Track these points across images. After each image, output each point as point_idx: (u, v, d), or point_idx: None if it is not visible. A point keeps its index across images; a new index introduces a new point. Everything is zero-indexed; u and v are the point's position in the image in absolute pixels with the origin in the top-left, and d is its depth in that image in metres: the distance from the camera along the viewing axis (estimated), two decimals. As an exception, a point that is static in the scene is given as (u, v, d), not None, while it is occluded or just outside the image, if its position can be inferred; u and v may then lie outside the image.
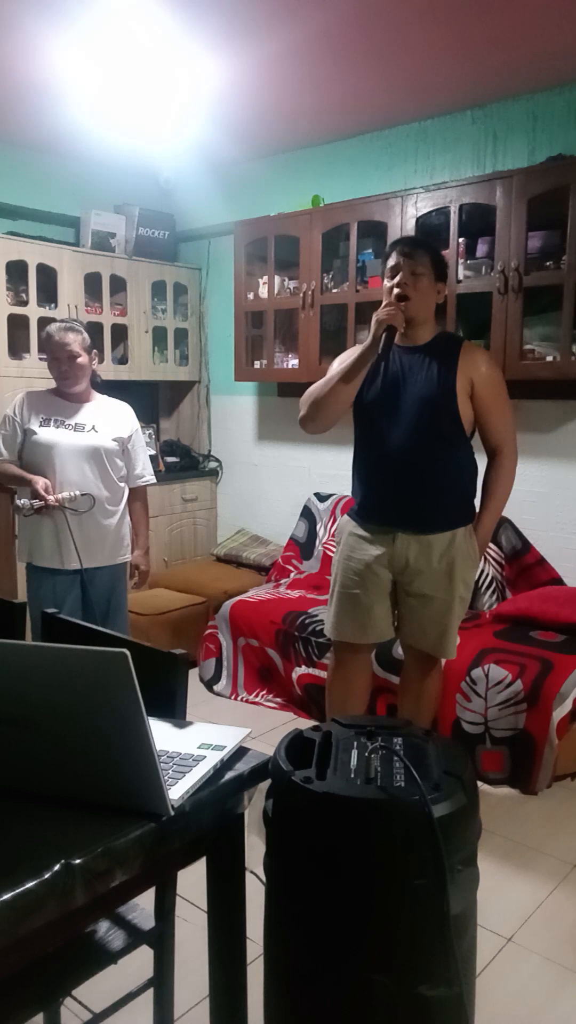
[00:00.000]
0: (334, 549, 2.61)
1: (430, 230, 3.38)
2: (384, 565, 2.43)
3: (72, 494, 2.75)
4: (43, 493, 2.70)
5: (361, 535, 2.47)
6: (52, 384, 2.93)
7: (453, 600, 2.44)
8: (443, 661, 2.64)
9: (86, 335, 2.84)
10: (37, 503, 2.71)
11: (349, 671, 2.60)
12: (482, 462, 2.51)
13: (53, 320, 3.91)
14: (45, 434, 2.80)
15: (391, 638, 2.58)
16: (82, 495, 2.76)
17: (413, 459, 2.37)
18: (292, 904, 1.41)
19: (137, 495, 3.04)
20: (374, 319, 2.31)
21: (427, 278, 2.35)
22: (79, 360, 2.79)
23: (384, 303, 2.33)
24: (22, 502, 2.75)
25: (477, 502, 2.51)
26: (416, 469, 2.37)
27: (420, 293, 2.34)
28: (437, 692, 2.68)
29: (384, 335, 2.28)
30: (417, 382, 2.37)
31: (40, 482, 2.72)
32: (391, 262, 2.37)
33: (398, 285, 2.32)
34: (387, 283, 2.37)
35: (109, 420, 2.91)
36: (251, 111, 3.54)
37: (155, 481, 3.13)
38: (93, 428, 2.86)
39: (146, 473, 3.04)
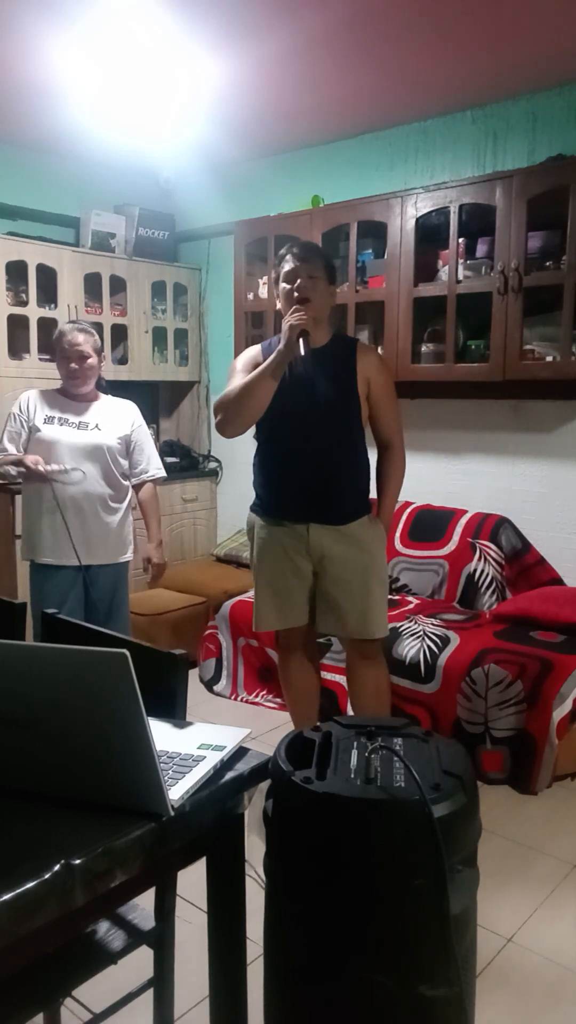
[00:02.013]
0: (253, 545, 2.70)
1: (430, 230, 3.39)
2: (303, 555, 2.57)
3: (61, 467, 2.77)
4: (28, 464, 2.73)
5: (276, 528, 2.58)
6: (53, 384, 2.95)
7: (369, 580, 2.56)
8: (382, 651, 2.74)
9: (97, 337, 2.89)
10: (16, 469, 2.80)
11: (299, 662, 2.76)
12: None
13: (53, 320, 3.95)
14: (49, 431, 2.83)
15: (306, 623, 2.67)
16: (71, 468, 2.78)
17: (322, 455, 2.51)
18: (292, 904, 1.41)
19: (146, 489, 3.06)
20: (286, 324, 2.39)
21: (322, 281, 2.47)
22: (89, 361, 2.83)
23: (291, 309, 2.39)
24: (4, 469, 2.84)
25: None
26: (325, 465, 2.52)
27: (318, 295, 2.45)
28: (383, 678, 2.74)
29: (299, 339, 2.35)
30: (321, 383, 2.48)
31: (29, 457, 2.76)
32: (286, 267, 2.46)
33: (298, 289, 2.42)
34: (284, 287, 2.46)
35: (113, 418, 2.94)
36: (251, 111, 3.54)
37: (164, 475, 3.14)
38: (97, 427, 2.89)
39: (151, 467, 3.05)
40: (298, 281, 2.43)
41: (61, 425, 2.85)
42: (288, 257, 2.47)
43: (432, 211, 3.33)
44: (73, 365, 2.82)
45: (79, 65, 3.03)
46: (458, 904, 1.33)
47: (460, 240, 3.27)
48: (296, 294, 2.41)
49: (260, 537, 2.63)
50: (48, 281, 3.96)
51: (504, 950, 2.03)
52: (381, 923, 1.33)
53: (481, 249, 3.27)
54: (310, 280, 2.43)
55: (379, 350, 3.63)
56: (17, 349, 3.88)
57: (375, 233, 3.58)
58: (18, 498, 3.78)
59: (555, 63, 3.05)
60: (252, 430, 2.60)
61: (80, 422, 2.88)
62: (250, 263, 4.07)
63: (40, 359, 3.92)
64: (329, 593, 2.57)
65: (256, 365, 2.49)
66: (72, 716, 1.10)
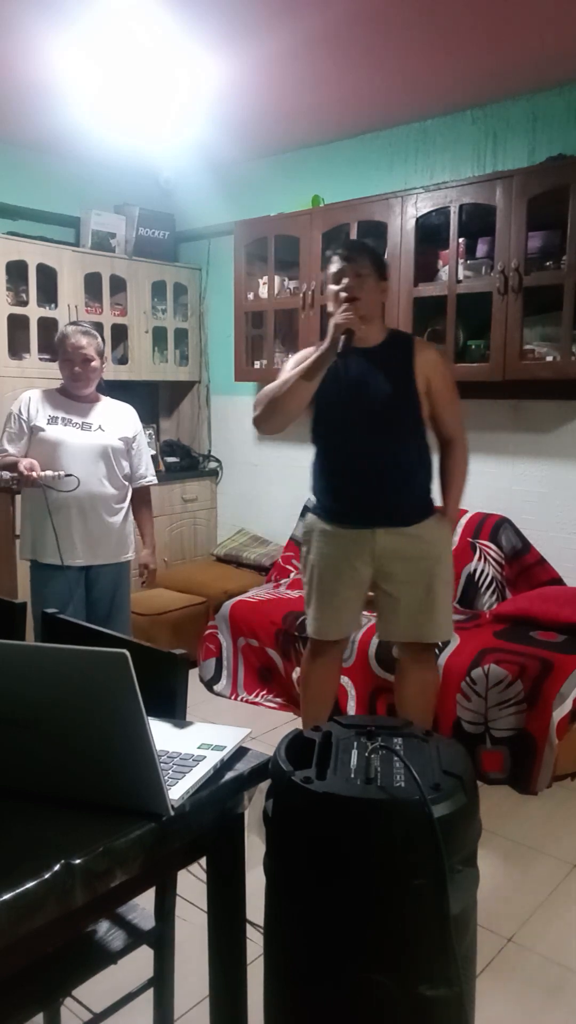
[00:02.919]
0: (305, 549, 2.63)
1: (430, 230, 3.39)
2: (366, 563, 2.50)
3: (55, 474, 2.74)
4: (22, 469, 2.69)
5: (337, 534, 2.52)
6: (53, 383, 2.94)
7: (435, 583, 2.50)
8: (439, 657, 2.68)
9: (100, 339, 2.88)
10: (9, 474, 2.76)
11: (328, 665, 2.68)
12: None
13: (54, 320, 3.95)
14: (52, 432, 2.82)
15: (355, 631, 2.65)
16: (65, 475, 2.75)
17: (384, 456, 2.45)
18: (292, 904, 1.41)
19: (141, 495, 3.07)
20: (332, 323, 2.36)
21: (371, 278, 2.41)
22: (92, 364, 2.82)
23: (339, 308, 2.35)
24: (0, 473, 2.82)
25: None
26: (388, 466, 2.46)
27: (367, 293, 2.39)
28: (436, 686, 2.69)
29: (343, 338, 2.32)
30: (378, 382, 2.43)
31: (24, 462, 2.72)
32: (333, 267, 2.41)
33: (345, 288, 2.37)
34: (332, 288, 2.41)
35: (115, 420, 2.94)
36: (251, 111, 3.54)
37: (156, 481, 3.16)
38: (100, 427, 2.88)
39: (148, 473, 3.07)
40: (344, 281, 2.38)
41: (65, 425, 2.84)
42: (334, 258, 2.42)
43: (432, 211, 3.33)
44: (77, 368, 2.81)
45: (79, 65, 3.03)
46: (458, 904, 1.33)
47: (460, 240, 3.27)
48: (343, 294, 2.36)
49: (321, 543, 2.55)
50: (48, 281, 3.96)
51: (504, 950, 2.03)
52: (381, 923, 1.33)
53: (481, 249, 3.27)
54: (357, 278, 2.37)
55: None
56: (17, 349, 3.88)
57: (375, 233, 3.57)
58: (18, 498, 3.78)
59: (555, 63, 3.05)
60: (308, 434, 2.56)
61: (84, 423, 2.87)
62: (250, 263, 4.07)
63: (40, 359, 3.91)
64: (392, 596, 2.51)
65: None
66: (72, 716, 1.10)
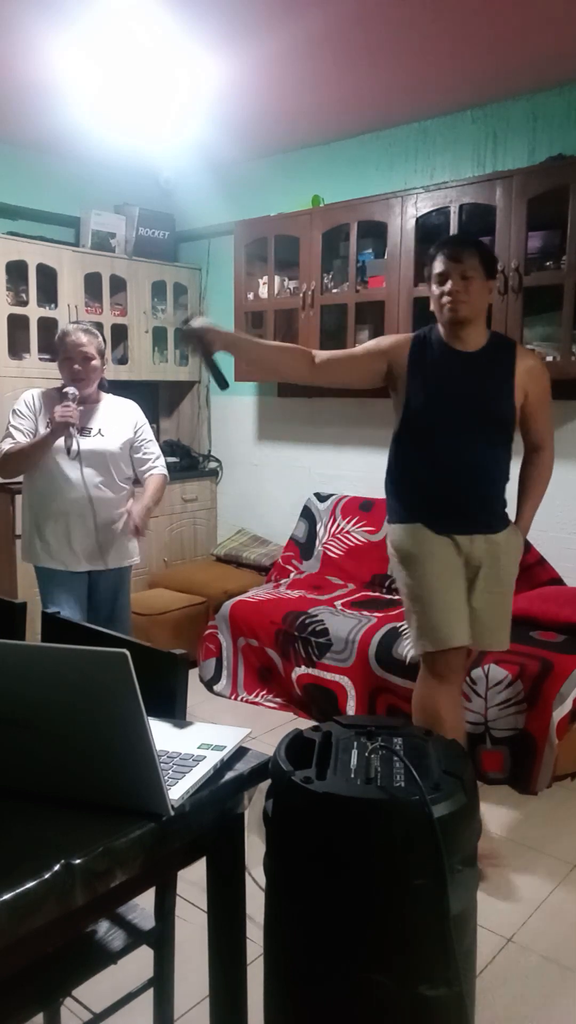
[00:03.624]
0: (392, 556, 2.46)
1: (430, 230, 3.38)
2: (464, 567, 2.38)
3: (67, 403, 2.66)
4: (56, 417, 2.62)
5: (436, 541, 2.36)
6: (54, 383, 2.91)
7: (510, 592, 2.47)
8: None
9: (100, 338, 2.83)
10: (72, 394, 2.68)
11: (457, 683, 2.41)
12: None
13: (54, 320, 3.95)
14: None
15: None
16: (71, 394, 2.68)
17: (481, 463, 2.36)
18: (292, 904, 1.41)
19: (153, 477, 2.97)
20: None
21: (478, 280, 2.26)
22: (93, 363, 2.77)
23: (443, 310, 2.27)
24: (22, 453, 2.72)
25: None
26: (484, 472, 2.38)
27: (473, 296, 2.26)
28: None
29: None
30: (480, 389, 2.33)
31: (56, 410, 2.64)
32: (437, 268, 2.27)
33: (449, 293, 2.25)
34: (434, 290, 2.29)
35: (116, 421, 2.89)
36: (251, 111, 3.54)
37: (165, 472, 3.03)
38: (100, 432, 2.83)
39: (158, 464, 2.98)
40: (449, 283, 2.25)
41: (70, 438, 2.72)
42: (439, 256, 2.28)
43: (432, 211, 3.33)
44: (77, 367, 2.75)
45: (79, 65, 3.03)
46: (458, 904, 1.33)
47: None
48: (446, 298, 2.25)
49: (424, 551, 2.37)
50: (48, 281, 3.96)
51: (504, 950, 2.03)
52: (381, 923, 1.33)
53: (481, 249, 3.27)
54: (463, 281, 2.24)
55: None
56: (17, 349, 3.88)
57: (375, 233, 3.58)
58: (18, 498, 3.78)
59: (555, 63, 3.05)
60: (394, 433, 2.45)
61: (83, 428, 2.79)
62: (250, 263, 4.07)
63: (40, 359, 3.92)
64: (481, 606, 2.40)
65: (383, 353, 2.39)
66: (72, 716, 1.10)
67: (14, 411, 2.82)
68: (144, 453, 2.95)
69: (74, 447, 2.68)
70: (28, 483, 2.86)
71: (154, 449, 3.00)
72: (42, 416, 2.79)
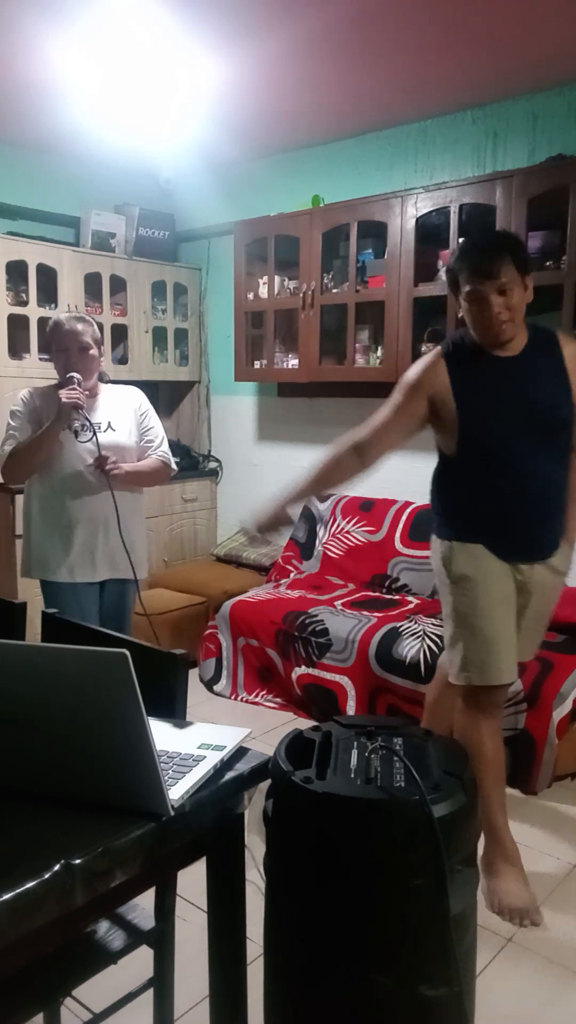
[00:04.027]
0: (439, 573, 2.25)
1: (430, 230, 3.39)
2: (516, 595, 2.19)
3: (72, 386, 2.51)
4: (63, 398, 2.46)
5: (496, 567, 2.15)
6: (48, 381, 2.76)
7: (551, 610, 2.33)
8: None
9: (95, 327, 2.65)
10: (77, 380, 2.52)
11: (499, 719, 2.25)
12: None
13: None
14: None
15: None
16: (76, 378, 2.53)
17: (549, 475, 2.13)
18: (292, 904, 1.41)
19: (150, 459, 2.75)
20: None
21: (516, 288, 2.01)
22: (90, 352, 2.59)
23: (486, 332, 2.06)
24: (29, 447, 2.53)
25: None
26: (552, 484, 2.14)
27: (515, 310, 2.02)
28: None
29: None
30: (538, 394, 2.09)
31: (62, 392, 2.48)
32: (468, 286, 2.02)
33: (489, 318, 2.01)
34: (468, 306, 2.05)
35: (121, 411, 2.70)
36: (251, 111, 3.54)
37: (167, 460, 2.79)
38: (110, 426, 2.65)
39: (160, 451, 2.76)
40: (485, 305, 2.00)
41: (67, 428, 2.56)
42: (467, 274, 2.02)
43: (432, 211, 3.33)
44: (74, 358, 2.56)
45: (79, 65, 3.03)
46: (458, 904, 1.33)
47: (460, 240, 3.27)
48: (500, 317, 2.00)
49: (482, 576, 2.14)
50: (48, 281, 3.96)
51: (504, 950, 2.03)
52: (381, 923, 1.33)
53: (481, 249, 3.27)
54: (502, 298, 1.99)
55: (379, 351, 3.64)
56: (17, 349, 3.88)
57: (375, 233, 3.58)
58: (18, 498, 3.78)
59: (555, 63, 3.05)
60: (449, 454, 2.20)
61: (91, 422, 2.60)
62: (250, 263, 4.07)
63: (40, 359, 3.91)
64: (529, 626, 2.25)
65: (417, 392, 2.14)
66: (72, 716, 1.10)
67: (11, 412, 2.64)
68: (147, 440, 2.75)
69: (84, 433, 2.51)
70: (37, 487, 2.65)
71: (158, 433, 2.79)
72: (44, 416, 2.59)
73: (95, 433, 2.55)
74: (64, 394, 2.49)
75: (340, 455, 2.21)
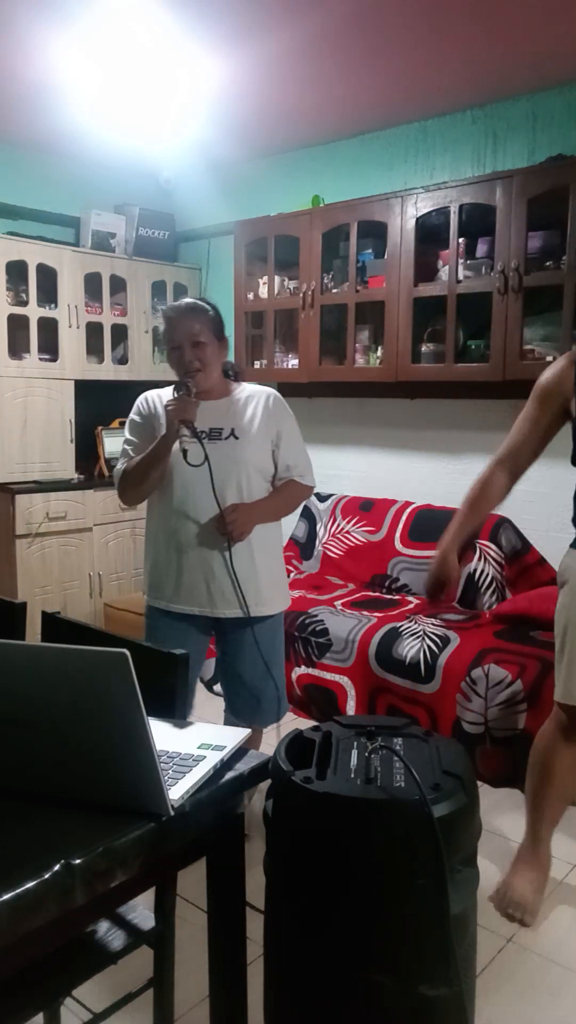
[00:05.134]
0: (562, 592, 2.24)
1: (430, 230, 3.39)
2: None
3: (184, 392, 2.16)
4: (169, 414, 2.13)
5: None
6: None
7: None
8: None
9: (212, 312, 2.23)
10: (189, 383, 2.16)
11: (566, 753, 2.18)
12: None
13: (53, 320, 3.95)
14: (179, 447, 2.17)
15: None
16: (191, 386, 2.17)
17: None
18: (292, 904, 1.41)
19: (282, 485, 2.33)
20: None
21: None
22: (207, 347, 2.19)
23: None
24: (140, 467, 2.21)
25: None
26: None
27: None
28: None
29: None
30: None
31: (167, 403, 2.16)
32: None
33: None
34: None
35: (253, 418, 2.27)
36: (251, 111, 3.54)
37: (309, 483, 2.37)
38: (233, 434, 2.22)
39: (297, 472, 2.32)
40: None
41: (193, 438, 2.16)
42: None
43: (432, 211, 3.33)
44: (187, 356, 2.17)
45: (79, 65, 3.03)
46: (458, 904, 1.33)
47: (460, 240, 3.27)
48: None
49: None
50: (48, 281, 3.96)
51: (504, 950, 2.03)
52: (381, 923, 1.33)
53: (481, 249, 3.27)
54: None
55: (379, 351, 3.64)
56: (17, 349, 3.88)
57: (375, 233, 3.58)
58: (18, 499, 3.78)
59: (555, 63, 3.05)
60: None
61: (211, 428, 2.21)
62: (250, 263, 4.07)
63: (40, 359, 3.92)
64: None
65: (550, 396, 2.13)
66: (72, 716, 1.10)
67: (128, 422, 2.33)
68: (283, 464, 2.30)
69: (192, 453, 2.14)
70: (153, 506, 2.34)
71: (294, 447, 2.33)
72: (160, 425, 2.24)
73: (207, 459, 2.15)
74: (169, 404, 2.15)
75: (488, 477, 2.25)
